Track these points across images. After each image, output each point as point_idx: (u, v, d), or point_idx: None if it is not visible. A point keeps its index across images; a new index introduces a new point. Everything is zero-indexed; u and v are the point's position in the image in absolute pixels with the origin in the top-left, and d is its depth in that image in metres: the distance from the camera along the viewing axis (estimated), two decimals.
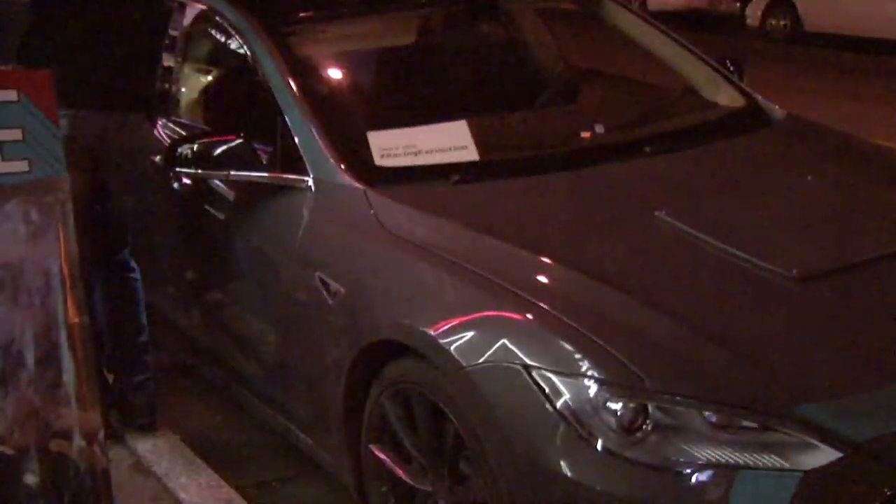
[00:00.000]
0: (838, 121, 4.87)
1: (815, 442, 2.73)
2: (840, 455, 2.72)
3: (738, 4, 22.38)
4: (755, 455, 2.74)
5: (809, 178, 4.07)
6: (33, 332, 2.75)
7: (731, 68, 4.91)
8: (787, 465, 2.72)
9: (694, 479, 2.74)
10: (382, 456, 3.43)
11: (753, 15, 21.12)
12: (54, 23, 3.94)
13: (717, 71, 4.82)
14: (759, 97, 4.67)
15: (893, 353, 3.04)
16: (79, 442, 2.81)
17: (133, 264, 4.32)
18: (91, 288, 4.08)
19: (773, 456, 2.73)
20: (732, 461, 2.74)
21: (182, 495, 3.87)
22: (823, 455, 2.72)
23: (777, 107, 4.64)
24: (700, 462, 2.74)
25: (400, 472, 3.38)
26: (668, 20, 16.24)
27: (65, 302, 2.79)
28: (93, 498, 2.87)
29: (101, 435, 2.81)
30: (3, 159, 2.70)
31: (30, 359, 2.75)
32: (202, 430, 4.49)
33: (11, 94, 2.72)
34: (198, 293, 4.47)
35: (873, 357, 3.01)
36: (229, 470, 4.10)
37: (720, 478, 2.74)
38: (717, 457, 2.75)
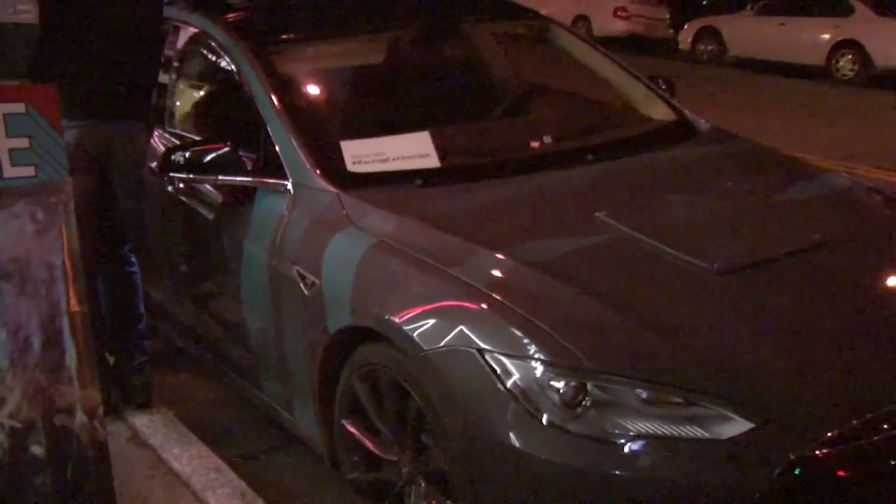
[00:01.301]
0: (756, 132, 4.90)
1: (731, 414, 2.77)
2: (752, 426, 2.76)
3: (671, 31, 22.53)
4: (680, 427, 2.78)
5: (729, 183, 4.08)
6: (39, 320, 2.74)
7: (664, 86, 4.93)
8: (707, 436, 2.76)
9: (627, 449, 2.76)
10: (353, 430, 3.42)
11: (685, 40, 21.34)
12: (62, 43, 3.90)
13: (651, 89, 4.84)
14: (688, 112, 4.69)
15: (799, 335, 3.06)
16: (80, 417, 2.80)
17: (132, 259, 4.30)
18: (94, 280, 4.10)
19: (695, 427, 2.77)
20: (661, 432, 2.77)
21: (175, 465, 3.84)
22: (738, 426, 2.76)
23: (703, 120, 4.66)
24: (632, 433, 2.77)
25: (369, 444, 3.38)
26: (611, 44, 16.39)
27: (67, 292, 2.77)
28: (93, 467, 2.85)
29: (100, 411, 2.79)
30: (12, 164, 2.68)
31: (36, 343, 2.73)
32: (193, 407, 4.47)
33: (20, 107, 2.70)
34: (190, 285, 4.45)
35: (782, 339, 3.04)
36: (217, 442, 4.07)
37: (650, 447, 2.75)
38: (648, 429, 2.78)
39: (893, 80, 17.55)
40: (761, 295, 3.20)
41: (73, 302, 2.78)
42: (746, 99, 15.06)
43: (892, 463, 2.93)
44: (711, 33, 20.66)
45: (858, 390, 2.95)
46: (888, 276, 3.55)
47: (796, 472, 2.76)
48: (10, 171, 2.67)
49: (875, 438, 2.88)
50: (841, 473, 2.85)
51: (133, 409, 4.24)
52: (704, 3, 25.22)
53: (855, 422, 2.86)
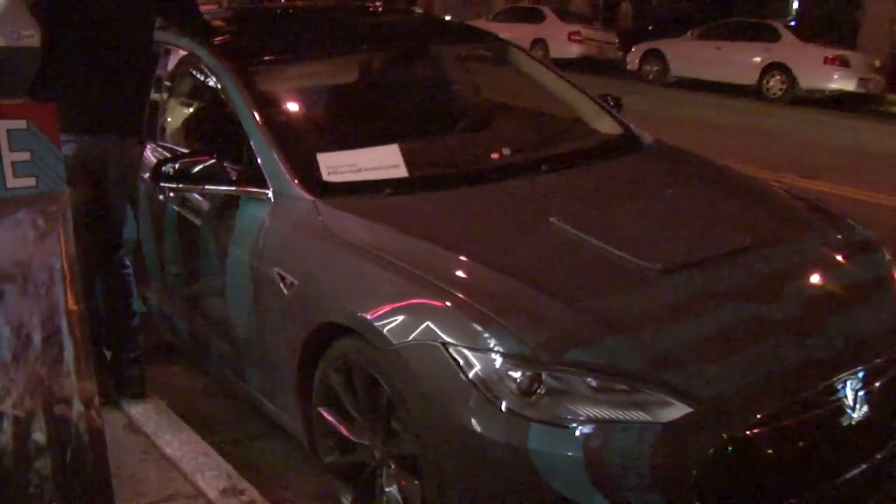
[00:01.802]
0: (694, 145, 4.90)
1: (671, 400, 2.79)
2: (690, 410, 2.78)
3: (620, 53, 22.65)
4: (626, 411, 2.79)
5: (671, 191, 4.09)
6: (39, 318, 2.72)
7: (612, 103, 4.94)
8: (650, 419, 2.77)
9: (579, 432, 2.76)
10: (329, 417, 3.40)
11: (632, 62, 21.49)
12: (61, 64, 3.86)
13: (600, 105, 4.84)
14: (633, 126, 4.69)
15: (732, 328, 3.08)
16: (78, 406, 2.78)
17: (127, 262, 4.27)
18: (92, 282, 4.07)
19: (639, 412, 2.78)
20: (608, 416, 2.78)
21: (167, 450, 3.81)
22: (677, 410, 2.78)
23: (647, 134, 4.66)
24: (583, 418, 2.77)
25: (343, 430, 3.36)
26: (566, 65, 16.51)
27: (65, 293, 2.77)
28: (90, 452, 2.83)
29: (95, 401, 2.78)
30: (15, 176, 2.67)
31: (37, 339, 2.71)
32: (184, 397, 4.42)
33: (22, 123, 2.69)
34: (179, 285, 4.40)
35: (717, 331, 3.06)
36: (206, 429, 4.04)
37: (599, 430, 2.76)
38: (597, 413, 2.78)
39: (816, 99, 17.80)
40: (699, 292, 3.21)
41: (71, 301, 2.77)
42: (687, 115, 15.17)
43: (812, 439, 3.00)
44: (656, 55, 20.81)
45: (783, 377, 2.99)
46: (809, 273, 3.58)
47: (729, 450, 2.81)
48: (12, 182, 2.66)
49: (797, 419, 2.94)
50: (768, 450, 2.90)
51: (128, 399, 4.20)
52: (650, 28, 25.39)
53: (780, 404, 2.91)
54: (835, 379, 3.03)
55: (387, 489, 3.23)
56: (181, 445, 3.85)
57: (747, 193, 4.18)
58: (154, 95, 4.53)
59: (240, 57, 4.29)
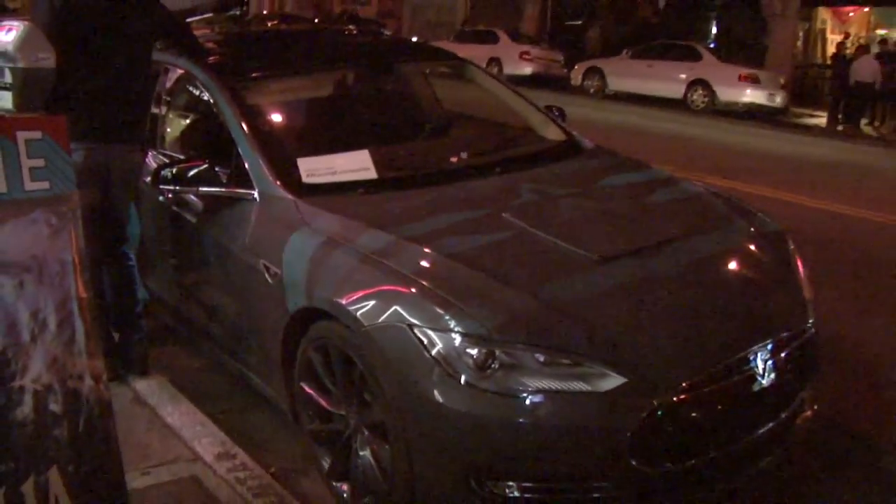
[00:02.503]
0: (628, 149, 4.91)
1: (609, 372, 2.79)
2: (625, 380, 2.78)
3: (565, 70, 22.73)
4: (569, 383, 2.79)
5: (608, 190, 4.08)
6: (54, 304, 2.69)
7: (557, 113, 4.91)
8: (590, 389, 2.77)
9: (528, 402, 2.76)
10: (310, 390, 3.37)
11: (575, 78, 21.63)
12: (72, 83, 3.82)
13: (546, 115, 4.82)
14: (576, 133, 4.68)
15: (662, 308, 3.09)
16: (88, 381, 2.75)
17: (130, 255, 4.20)
18: (99, 273, 4.03)
19: (581, 383, 2.79)
20: (554, 387, 2.77)
21: (169, 420, 3.77)
22: (614, 381, 2.78)
23: (588, 140, 4.65)
24: (532, 389, 2.77)
25: (322, 402, 3.33)
26: (518, 81, 16.52)
27: (76, 282, 2.74)
28: (99, 421, 2.80)
29: (104, 376, 2.75)
30: (32, 180, 2.65)
31: (52, 322, 2.68)
32: (183, 374, 4.36)
33: (37, 134, 2.67)
34: (177, 275, 4.34)
35: (648, 311, 3.06)
36: (203, 401, 3.98)
37: (546, 399, 2.76)
38: (544, 385, 2.78)
39: (732, 111, 17.99)
40: (632, 278, 3.20)
41: (81, 289, 2.74)
42: (622, 123, 15.26)
43: (729, 403, 3.01)
44: (596, 72, 20.92)
45: (706, 349, 3.01)
46: (726, 260, 3.58)
47: (658, 414, 2.81)
48: (29, 185, 2.65)
49: (716, 386, 2.95)
50: (692, 414, 2.91)
51: (134, 375, 4.15)
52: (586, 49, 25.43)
53: (702, 374, 2.92)
54: (748, 351, 3.04)
55: (361, 453, 3.20)
56: (181, 416, 3.81)
57: (674, 191, 4.18)
58: (154, 109, 4.47)
59: (229, 74, 4.24)
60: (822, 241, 7.26)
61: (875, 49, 18.47)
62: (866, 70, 17.09)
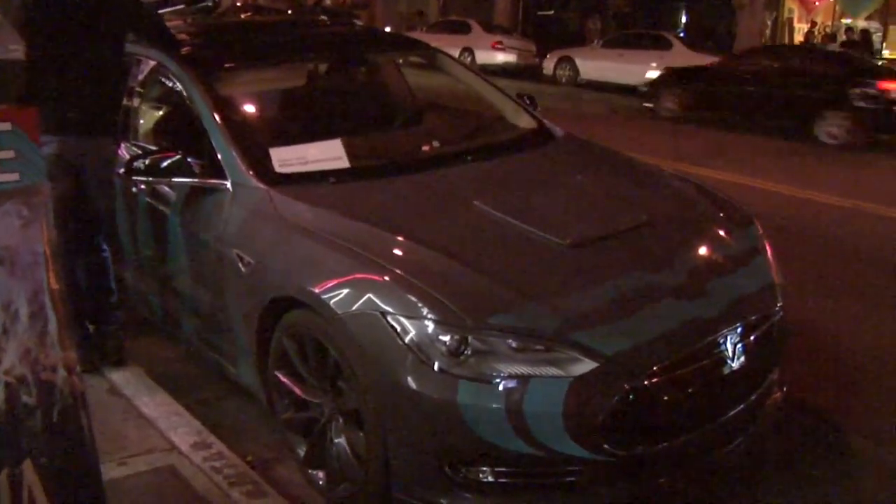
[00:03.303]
0: (600, 138, 4.92)
1: (581, 357, 2.79)
2: (597, 365, 2.78)
3: (537, 60, 22.70)
4: (542, 368, 2.79)
5: (579, 177, 4.09)
6: (26, 296, 2.65)
7: (528, 101, 4.91)
8: (562, 374, 2.77)
9: (501, 387, 2.75)
10: (284, 379, 3.35)
11: (548, 67, 21.57)
12: (43, 75, 3.78)
13: (517, 103, 4.81)
14: (547, 121, 4.67)
15: (633, 293, 3.09)
16: (61, 373, 2.72)
17: (104, 245, 4.16)
18: (74, 264, 4.01)
19: (553, 368, 2.78)
20: (527, 373, 2.77)
21: (144, 410, 3.75)
22: (586, 365, 2.78)
23: (559, 128, 4.65)
24: (505, 374, 2.76)
25: (297, 390, 3.31)
26: (491, 70, 16.47)
27: (47, 273, 2.69)
28: (73, 413, 2.77)
29: (77, 368, 2.71)
30: (1, 172, 2.60)
31: (24, 314, 2.64)
32: (158, 364, 4.33)
33: (7, 126, 2.62)
34: (152, 266, 4.30)
35: (620, 296, 3.05)
36: (179, 391, 3.96)
37: (519, 384, 2.75)
38: (517, 370, 2.78)
39: None
40: (603, 263, 3.21)
41: (53, 281, 2.70)
42: (595, 112, 15.27)
43: (699, 386, 3.02)
44: (568, 61, 20.89)
45: (677, 333, 3.01)
46: (696, 245, 3.59)
47: (630, 398, 2.81)
48: (0, 177, 2.60)
49: (687, 369, 2.97)
50: (663, 397, 2.92)
51: (110, 366, 4.13)
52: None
53: (673, 358, 2.92)
54: (718, 334, 3.06)
55: (336, 440, 3.19)
56: (157, 406, 3.79)
57: (644, 178, 4.19)
58: (127, 101, 4.42)
59: (201, 65, 4.20)
60: (789, 225, 7.31)
61: (841, 38, 18.61)
62: None
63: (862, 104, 11.90)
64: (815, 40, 18.98)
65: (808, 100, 12.46)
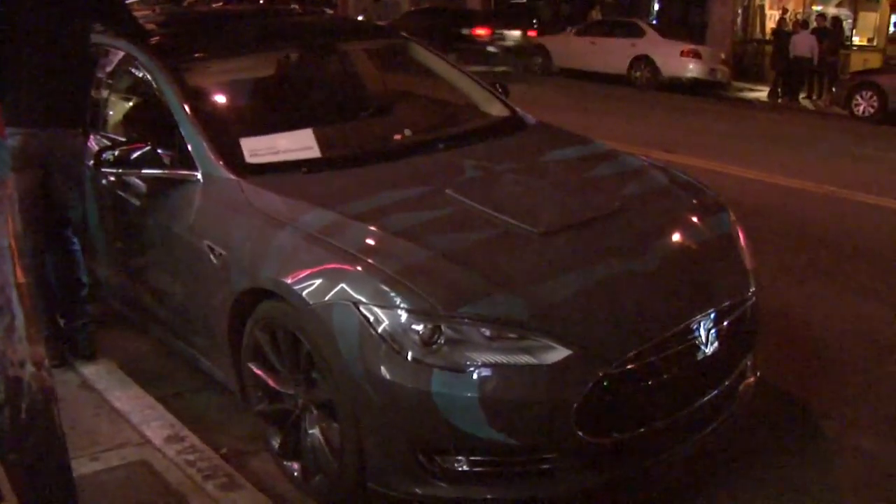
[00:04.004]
0: (573, 125, 4.90)
1: (554, 345, 2.79)
2: (570, 352, 2.79)
3: None
4: (516, 356, 2.79)
5: (551, 164, 4.07)
6: None
7: (500, 89, 4.89)
8: (536, 362, 2.77)
9: (475, 376, 2.75)
10: (258, 371, 3.33)
11: None
12: (7, 68, 3.72)
13: (489, 91, 4.79)
14: (519, 109, 4.66)
15: (605, 280, 3.09)
16: (30, 368, 2.68)
17: (74, 239, 4.11)
18: (43, 258, 3.96)
19: (527, 356, 2.79)
20: (500, 361, 2.77)
21: (117, 404, 3.71)
22: (560, 353, 2.79)
23: (531, 116, 4.63)
24: (478, 363, 2.76)
25: (270, 382, 3.29)
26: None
27: (14, 268, 2.65)
28: (43, 408, 2.73)
29: (45, 363, 2.68)
30: None
31: None
32: (130, 358, 4.29)
33: None
34: (122, 258, 4.26)
35: (593, 284, 3.06)
36: (151, 385, 3.94)
37: (493, 373, 2.75)
38: (491, 359, 2.77)
39: (675, 85, 18.11)
40: (576, 251, 3.20)
41: (20, 275, 2.66)
42: (568, 100, 15.28)
43: (673, 372, 3.02)
44: (541, 49, 20.86)
45: (651, 319, 3.02)
46: (669, 232, 3.59)
47: (605, 385, 2.81)
48: None
49: (661, 356, 2.97)
50: (638, 384, 2.93)
51: (81, 361, 4.09)
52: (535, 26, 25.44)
53: (646, 344, 2.93)
54: (691, 320, 3.06)
55: (310, 431, 3.17)
56: (129, 400, 3.76)
57: (616, 165, 4.18)
58: (95, 92, 4.36)
59: (171, 55, 4.15)
60: (761, 211, 7.36)
61: (812, 24, 18.71)
62: (804, 45, 17.33)
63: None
64: (787, 28, 19.02)
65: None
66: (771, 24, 21.80)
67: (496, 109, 4.65)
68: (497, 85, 4.94)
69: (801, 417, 3.97)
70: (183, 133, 3.74)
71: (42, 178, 3.87)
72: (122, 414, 3.64)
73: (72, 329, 4.14)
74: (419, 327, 2.77)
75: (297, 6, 6.30)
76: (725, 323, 3.19)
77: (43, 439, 2.72)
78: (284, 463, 3.31)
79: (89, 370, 4.03)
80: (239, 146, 3.65)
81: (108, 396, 3.79)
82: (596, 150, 4.39)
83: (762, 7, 22.68)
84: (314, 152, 3.73)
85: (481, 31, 19.36)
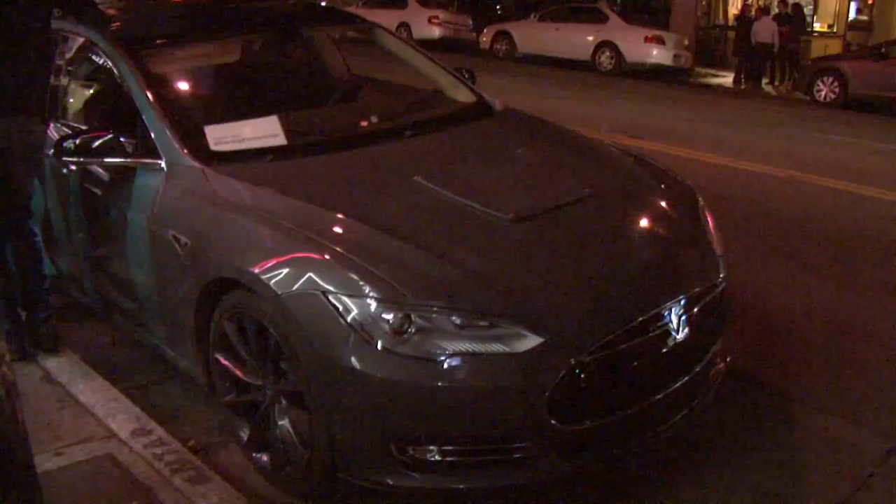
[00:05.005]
0: (539, 111, 4.89)
1: (525, 332, 2.77)
2: (542, 340, 2.77)
3: (474, 34, 22.64)
4: (487, 344, 2.77)
5: (520, 150, 4.06)
6: None
7: (467, 76, 4.86)
8: (507, 350, 2.75)
9: (446, 365, 2.73)
10: (225, 361, 3.29)
11: (485, 41, 21.55)
12: None
13: (456, 77, 4.75)
14: (486, 95, 4.63)
15: (575, 267, 3.08)
16: None
17: (36, 230, 4.03)
18: (4, 250, 3.89)
19: (498, 344, 2.76)
20: (472, 350, 2.75)
21: (81, 397, 3.66)
22: (531, 341, 2.77)
23: (498, 101, 4.61)
24: (450, 352, 2.74)
25: (238, 373, 3.25)
26: (427, 45, 16.34)
27: None
28: (4, 402, 2.68)
29: (7, 357, 2.62)
30: None
31: None
32: (94, 350, 4.23)
33: None
34: (85, 249, 4.17)
35: (563, 271, 3.05)
36: (116, 377, 3.88)
37: (464, 362, 2.73)
38: (462, 348, 2.75)
39: (639, 71, 18.18)
40: (547, 238, 3.19)
41: None
42: (534, 86, 15.27)
43: (645, 359, 3.03)
44: (505, 36, 20.87)
45: (621, 306, 3.01)
46: (638, 218, 3.59)
47: (576, 373, 2.80)
48: None
49: (632, 343, 2.96)
50: (609, 371, 2.92)
51: (44, 354, 4.02)
52: (499, 12, 25.44)
53: (618, 332, 2.91)
54: (661, 307, 3.06)
55: (279, 423, 3.13)
56: (94, 393, 3.70)
57: (585, 151, 4.17)
58: (55, 79, 4.26)
59: (132, 41, 4.06)
60: (725, 196, 7.40)
61: (774, 10, 18.86)
62: (766, 31, 17.49)
63: None
64: (750, 14, 19.18)
65: None
66: (734, 10, 21.95)
67: (463, 95, 4.62)
68: (464, 71, 4.90)
69: (772, 403, 3.99)
70: (146, 121, 3.66)
71: (3, 168, 3.78)
72: (87, 407, 3.58)
73: (34, 321, 4.06)
74: (389, 316, 2.74)
75: None
76: (696, 309, 3.19)
77: (4, 436, 2.66)
78: (253, 454, 3.27)
79: (52, 363, 3.96)
80: (203, 134, 3.59)
81: (72, 390, 3.73)
82: (563, 136, 4.38)
83: None
84: (280, 140, 3.67)
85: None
